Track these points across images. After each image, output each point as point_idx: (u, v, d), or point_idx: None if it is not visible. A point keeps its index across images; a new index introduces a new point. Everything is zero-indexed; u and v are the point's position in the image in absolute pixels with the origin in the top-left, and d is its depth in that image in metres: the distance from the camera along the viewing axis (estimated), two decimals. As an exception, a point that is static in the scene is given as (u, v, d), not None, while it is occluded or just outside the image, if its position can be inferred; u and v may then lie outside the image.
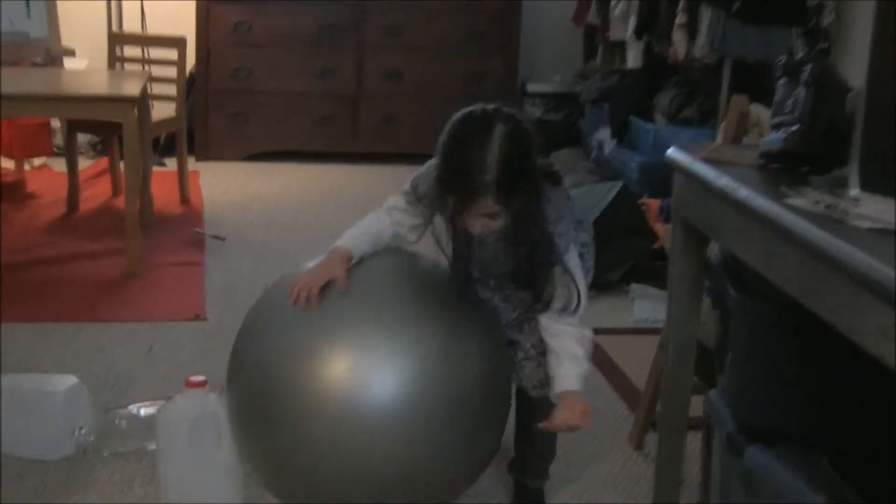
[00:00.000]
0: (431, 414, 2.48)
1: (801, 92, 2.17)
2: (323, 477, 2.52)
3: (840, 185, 2.04)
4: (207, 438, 2.77)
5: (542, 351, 2.66)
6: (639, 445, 3.25)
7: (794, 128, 2.16)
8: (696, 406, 2.72)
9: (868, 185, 1.95)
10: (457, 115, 2.48)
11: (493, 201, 2.38)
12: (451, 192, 2.44)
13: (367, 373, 2.46)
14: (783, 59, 2.30)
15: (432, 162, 2.55)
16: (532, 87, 7.29)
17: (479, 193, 2.37)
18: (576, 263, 2.61)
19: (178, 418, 2.79)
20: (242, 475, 2.81)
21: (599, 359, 3.91)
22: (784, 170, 2.19)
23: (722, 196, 2.13)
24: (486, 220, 2.44)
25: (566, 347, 2.60)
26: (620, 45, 6.52)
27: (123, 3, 7.18)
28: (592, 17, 6.82)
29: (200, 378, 2.80)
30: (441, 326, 2.54)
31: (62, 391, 3.08)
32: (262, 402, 2.54)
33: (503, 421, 2.71)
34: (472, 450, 2.62)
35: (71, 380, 3.14)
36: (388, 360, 2.47)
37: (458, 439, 2.55)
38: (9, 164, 6.45)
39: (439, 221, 2.62)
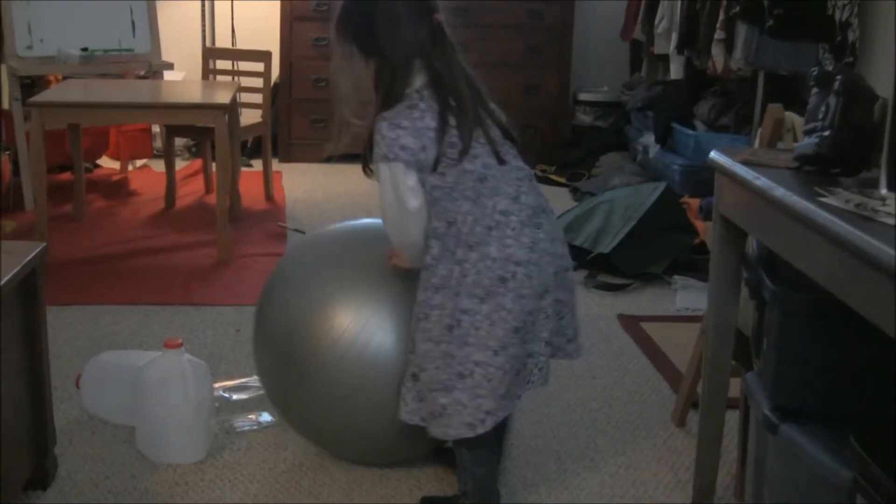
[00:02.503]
0: None
1: (832, 100, 2.15)
2: (336, 414, 2.65)
3: (869, 186, 2.02)
4: (175, 393, 2.83)
5: None
6: (681, 423, 3.23)
7: (826, 133, 2.14)
8: (734, 387, 2.71)
9: (895, 186, 1.93)
10: None
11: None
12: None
13: (371, 323, 2.59)
14: (815, 70, 2.29)
15: (391, 114, 2.41)
16: (583, 97, 7.26)
17: None
18: None
19: (152, 375, 2.85)
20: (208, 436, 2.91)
21: (644, 343, 3.90)
22: (817, 172, 2.18)
23: (760, 195, 2.13)
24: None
25: None
26: (663, 59, 6.48)
27: (216, 21, 7.25)
28: (638, 33, 6.79)
29: (178, 340, 2.85)
30: None
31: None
32: (282, 350, 2.69)
33: None
34: None
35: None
36: (390, 312, 2.59)
37: None
38: (115, 164, 6.53)
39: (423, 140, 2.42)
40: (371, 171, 2.49)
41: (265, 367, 2.80)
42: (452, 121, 2.43)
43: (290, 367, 2.66)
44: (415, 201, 2.44)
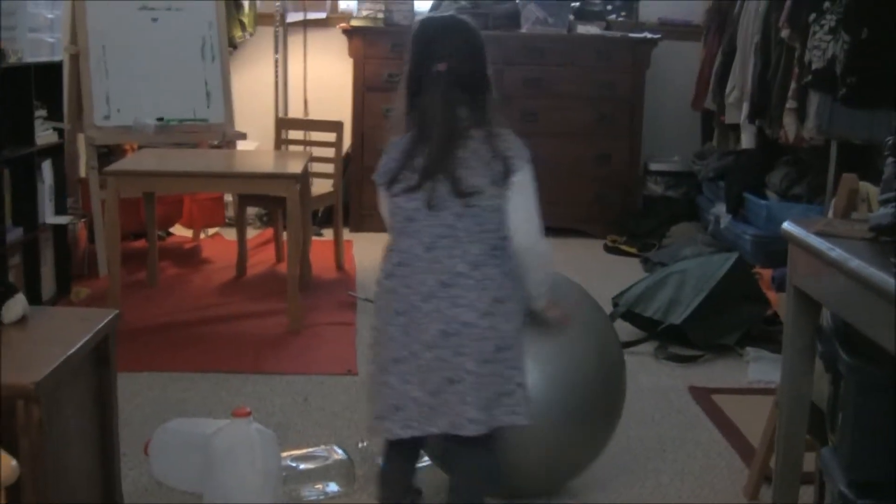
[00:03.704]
0: (568, 402, 2.90)
1: (908, 170, 2.12)
2: None
3: (947, 257, 1.98)
4: (244, 462, 2.82)
5: None
6: (754, 497, 3.16)
7: (903, 203, 2.11)
8: (809, 462, 2.65)
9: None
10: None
11: None
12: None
13: None
14: (890, 140, 2.26)
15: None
16: (654, 166, 7.25)
17: None
18: None
19: (221, 443, 2.83)
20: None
21: (716, 416, 3.84)
22: (893, 242, 2.14)
23: (835, 266, 2.10)
24: None
25: None
26: (735, 128, 6.45)
27: (289, 91, 7.36)
28: (709, 103, 6.78)
29: (246, 409, 2.85)
30: (572, 333, 2.94)
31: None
32: None
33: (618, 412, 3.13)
34: (598, 432, 3.06)
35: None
36: (534, 360, 2.80)
37: (589, 424, 2.99)
38: (187, 232, 6.62)
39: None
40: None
41: None
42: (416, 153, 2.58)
43: None
44: None
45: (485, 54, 2.61)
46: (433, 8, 7.01)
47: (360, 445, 3.30)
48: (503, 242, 2.55)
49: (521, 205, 2.55)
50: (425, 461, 3.26)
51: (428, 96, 2.56)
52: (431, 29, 2.65)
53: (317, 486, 3.12)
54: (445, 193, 2.52)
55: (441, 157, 2.52)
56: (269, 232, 6.49)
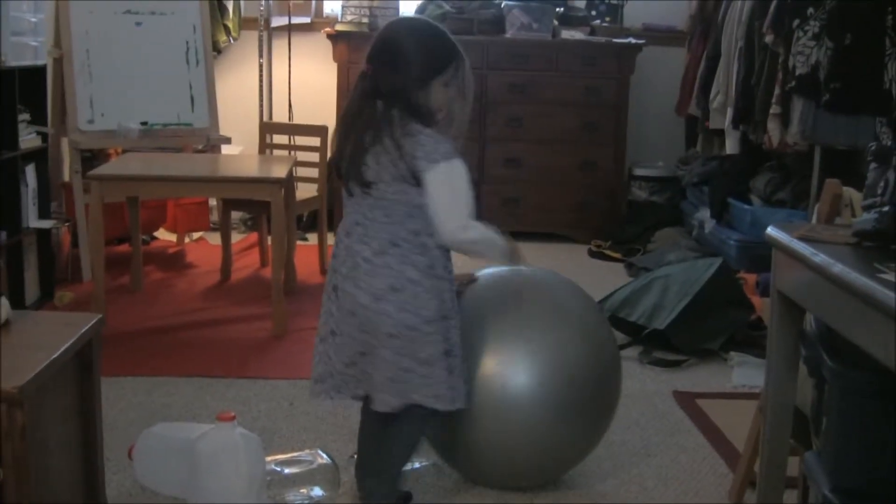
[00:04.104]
0: (562, 398, 2.97)
1: (890, 175, 2.14)
2: (485, 449, 3.02)
3: (930, 262, 1.99)
4: (228, 467, 2.82)
5: None
6: (738, 502, 3.17)
7: (886, 209, 2.12)
8: (793, 466, 2.66)
9: (957, 263, 1.91)
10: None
11: None
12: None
13: (511, 367, 2.96)
14: (873, 145, 2.27)
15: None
16: (638, 172, 7.27)
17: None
18: None
19: (205, 448, 2.83)
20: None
21: (700, 420, 3.85)
22: (876, 248, 2.15)
23: (818, 271, 2.10)
24: None
25: None
26: (719, 133, 6.47)
27: (273, 96, 7.36)
28: (693, 108, 6.80)
29: (231, 413, 2.87)
30: (566, 330, 3.05)
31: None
32: None
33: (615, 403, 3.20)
34: (592, 427, 3.12)
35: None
36: (528, 357, 2.97)
37: (583, 419, 3.05)
38: (172, 237, 6.61)
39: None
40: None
41: None
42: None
43: None
44: None
45: (415, 62, 2.73)
46: (418, 11, 7.02)
47: (351, 458, 3.29)
48: (413, 236, 2.74)
49: (438, 202, 2.71)
50: (424, 462, 3.27)
51: (353, 92, 2.83)
52: (382, 29, 2.84)
53: (301, 491, 3.11)
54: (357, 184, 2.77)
55: (351, 150, 2.76)
56: (254, 236, 6.48)
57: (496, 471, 3.10)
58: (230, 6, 7.06)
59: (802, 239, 2.27)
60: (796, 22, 4.99)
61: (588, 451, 3.20)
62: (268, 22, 7.23)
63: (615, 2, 7.36)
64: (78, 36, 5.73)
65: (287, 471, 3.19)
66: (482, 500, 3.13)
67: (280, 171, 4.87)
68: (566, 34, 7.08)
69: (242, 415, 3.67)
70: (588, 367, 3.03)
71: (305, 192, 5.87)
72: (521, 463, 3.05)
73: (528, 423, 2.95)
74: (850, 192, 2.68)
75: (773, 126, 5.31)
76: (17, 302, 4.72)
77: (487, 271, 3.21)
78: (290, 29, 7.29)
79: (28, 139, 5.00)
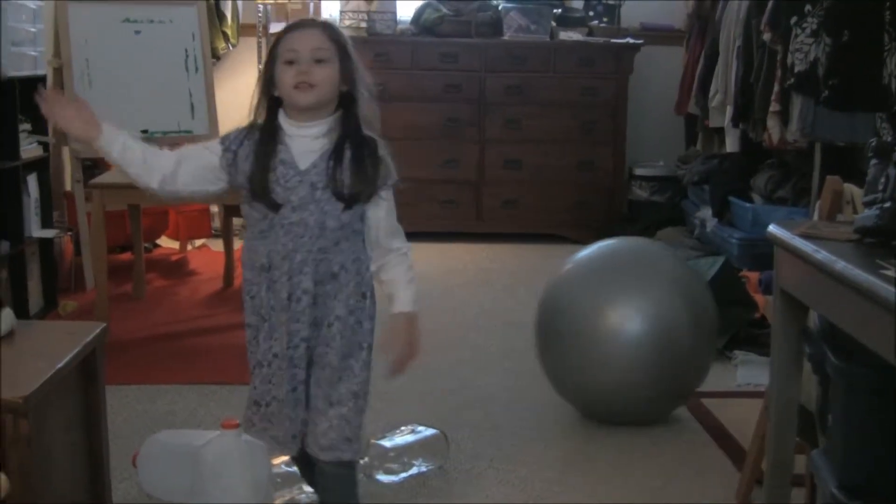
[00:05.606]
0: (663, 348, 3.56)
1: (891, 171, 2.13)
2: (594, 384, 3.64)
3: (932, 258, 1.99)
4: (233, 474, 2.81)
5: None
6: (745, 500, 3.16)
7: (887, 205, 2.12)
8: (800, 464, 2.66)
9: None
10: None
11: (321, 35, 2.54)
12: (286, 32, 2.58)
13: (622, 315, 3.58)
14: (874, 141, 2.27)
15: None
16: (639, 171, 7.26)
17: (310, 25, 2.60)
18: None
19: (209, 455, 2.83)
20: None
21: (706, 419, 3.85)
22: (878, 244, 2.15)
23: (820, 268, 2.10)
24: (315, 67, 2.56)
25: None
26: (719, 132, 6.47)
27: (273, 102, 7.35)
28: (692, 107, 6.79)
29: (235, 420, 2.85)
30: (666, 287, 3.65)
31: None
32: (559, 332, 3.69)
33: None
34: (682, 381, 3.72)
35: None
36: (636, 306, 3.59)
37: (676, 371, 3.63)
38: (174, 244, 6.61)
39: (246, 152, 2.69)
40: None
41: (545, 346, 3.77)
42: None
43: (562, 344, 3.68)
44: None
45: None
46: (416, 14, 7.02)
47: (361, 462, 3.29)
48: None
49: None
50: (413, 471, 3.26)
51: None
52: None
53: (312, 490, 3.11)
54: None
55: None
56: (256, 242, 6.47)
57: (603, 407, 3.68)
58: (228, 13, 7.06)
59: (804, 236, 2.27)
60: (794, 19, 4.99)
61: (677, 404, 3.80)
62: (266, 28, 7.22)
63: (612, 2, 7.36)
64: (77, 45, 5.73)
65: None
66: (485, 500, 3.13)
67: (281, 177, 4.85)
68: (564, 35, 7.08)
69: (247, 421, 3.66)
70: (688, 326, 3.60)
71: (306, 197, 5.85)
72: (623, 401, 3.61)
73: (635, 366, 3.53)
74: (850, 189, 2.67)
75: (772, 124, 5.30)
76: (21, 312, 4.71)
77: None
78: (288, 34, 7.27)
79: (29, 149, 5.00)
